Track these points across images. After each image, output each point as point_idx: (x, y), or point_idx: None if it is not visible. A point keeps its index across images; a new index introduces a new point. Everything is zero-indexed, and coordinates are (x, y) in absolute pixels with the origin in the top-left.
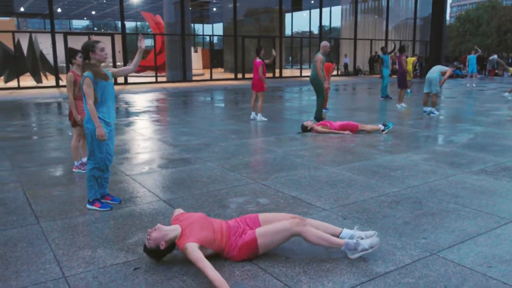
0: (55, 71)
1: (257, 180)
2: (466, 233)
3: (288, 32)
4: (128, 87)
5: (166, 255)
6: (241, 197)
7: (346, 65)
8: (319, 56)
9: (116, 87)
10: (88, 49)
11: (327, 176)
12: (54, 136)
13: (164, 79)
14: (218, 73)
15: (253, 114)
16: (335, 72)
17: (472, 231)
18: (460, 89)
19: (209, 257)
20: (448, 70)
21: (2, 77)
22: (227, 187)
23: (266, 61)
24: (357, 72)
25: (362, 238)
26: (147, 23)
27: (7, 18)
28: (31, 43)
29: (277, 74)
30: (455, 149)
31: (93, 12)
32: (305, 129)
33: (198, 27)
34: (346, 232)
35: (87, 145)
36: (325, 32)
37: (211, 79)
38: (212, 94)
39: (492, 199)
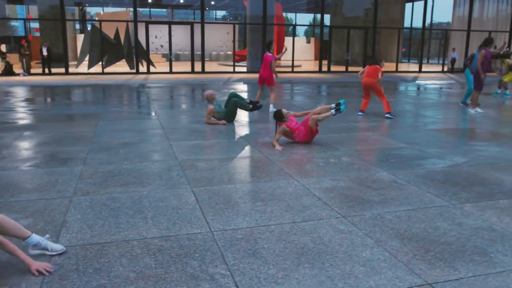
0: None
1: (88, 193)
2: None
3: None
4: (200, 75)
5: None
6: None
7: (453, 61)
8: None
9: (188, 76)
10: None
11: (175, 197)
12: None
13: (245, 69)
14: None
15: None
16: (439, 68)
17: None
18: None
19: None
20: None
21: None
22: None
23: (277, 55)
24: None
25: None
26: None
27: (124, 9)
28: (127, 32)
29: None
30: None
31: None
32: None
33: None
34: (34, 238)
35: None
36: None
37: (292, 71)
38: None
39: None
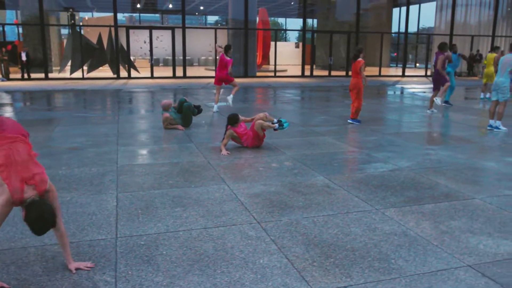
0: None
1: None
2: None
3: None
4: (181, 80)
5: None
6: None
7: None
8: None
9: (169, 81)
10: None
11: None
12: None
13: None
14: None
15: (215, 106)
16: (421, 72)
17: None
18: None
19: None
20: None
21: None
22: None
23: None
24: None
25: None
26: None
27: (110, 14)
28: (110, 37)
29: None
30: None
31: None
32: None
33: (296, 21)
34: None
35: None
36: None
37: (274, 76)
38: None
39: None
